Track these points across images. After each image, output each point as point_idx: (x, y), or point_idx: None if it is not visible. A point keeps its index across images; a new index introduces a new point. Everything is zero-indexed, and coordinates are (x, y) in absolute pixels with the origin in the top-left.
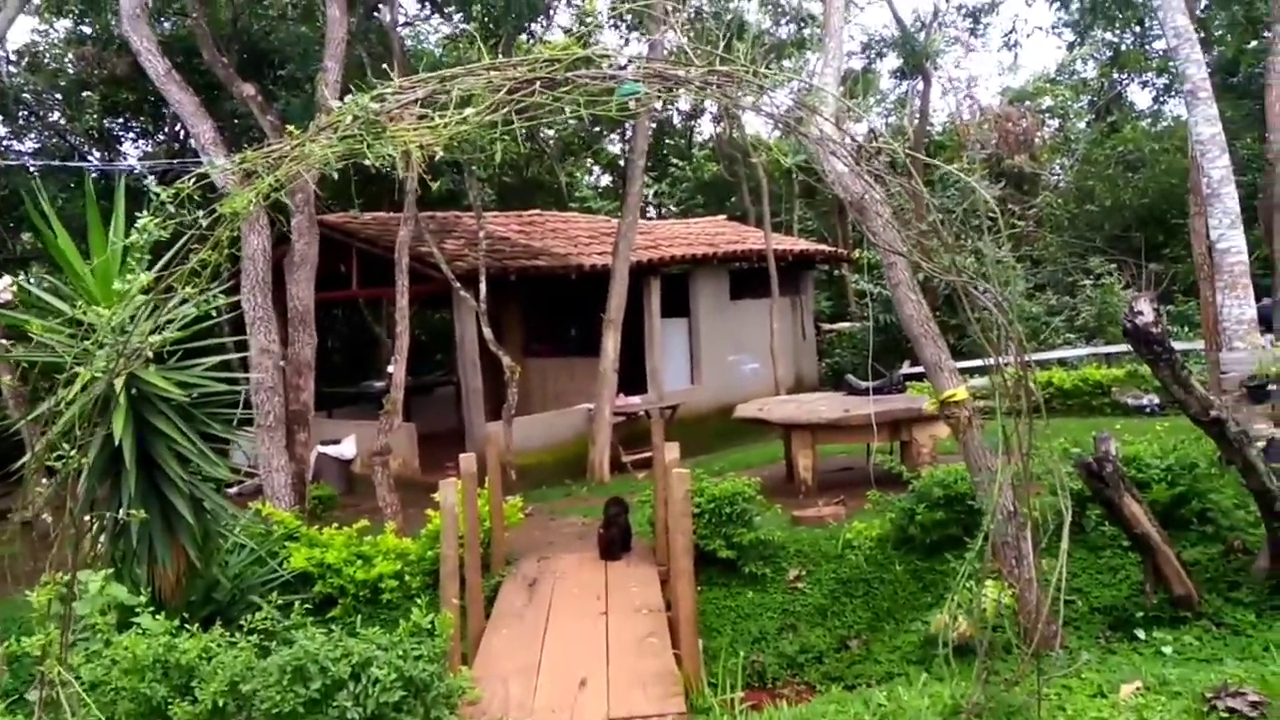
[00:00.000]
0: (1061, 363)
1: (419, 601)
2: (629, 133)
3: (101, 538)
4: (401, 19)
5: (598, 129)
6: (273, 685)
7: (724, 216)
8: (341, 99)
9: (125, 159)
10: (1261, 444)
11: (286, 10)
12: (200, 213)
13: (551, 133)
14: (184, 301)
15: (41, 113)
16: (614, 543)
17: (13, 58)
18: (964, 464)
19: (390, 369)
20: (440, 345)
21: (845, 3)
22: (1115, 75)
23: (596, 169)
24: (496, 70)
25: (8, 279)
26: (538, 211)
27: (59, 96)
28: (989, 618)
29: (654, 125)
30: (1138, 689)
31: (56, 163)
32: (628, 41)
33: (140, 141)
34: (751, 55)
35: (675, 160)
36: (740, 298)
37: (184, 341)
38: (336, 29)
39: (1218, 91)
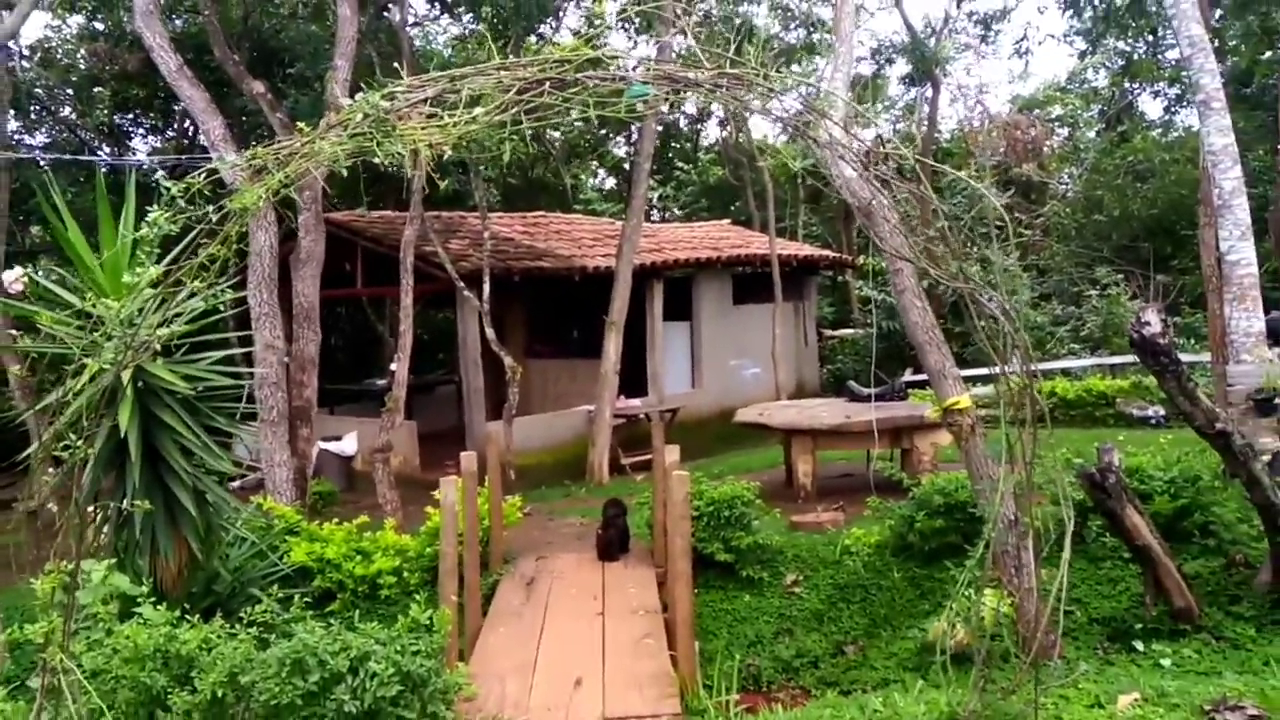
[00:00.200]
0: (1066, 373)
1: (417, 598)
2: (635, 135)
3: (105, 528)
4: (411, 19)
5: (604, 131)
6: (271, 677)
7: (728, 221)
8: (351, 98)
9: (135, 154)
10: (1267, 458)
11: (297, 9)
12: (210, 208)
13: (558, 134)
14: (191, 295)
15: (53, 107)
16: (612, 544)
17: (25, 53)
18: (964, 472)
19: (393, 367)
20: (442, 344)
21: (856, 8)
22: (1127, 84)
23: (601, 171)
24: (506, 70)
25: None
26: (542, 213)
27: (70, 92)
28: (987, 626)
29: (660, 128)
30: (1135, 700)
31: (67, 157)
32: (636, 44)
33: (150, 137)
34: (761, 59)
35: (680, 164)
36: (743, 302)
37: (190, 335)
38: (347, 28)
39: (1230, 102)
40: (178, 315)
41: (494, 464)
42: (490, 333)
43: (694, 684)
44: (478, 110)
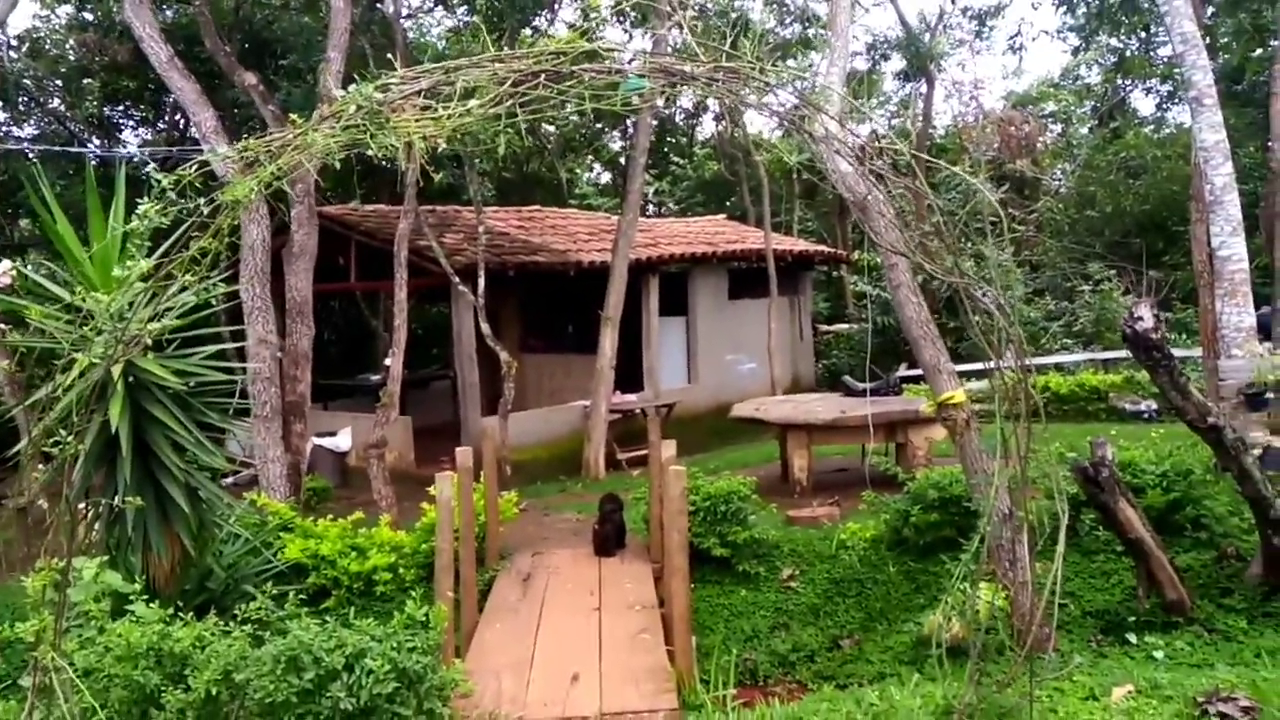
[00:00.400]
0: (1059, 368)
1: (413, 594)
2: (630, 130)
3: (97, 525)
4: (405, 10)
5: (599, 125)
6: (266, 675)
7: (724, 216)
8: (344, 90)
9: (125, 146)
10: (1258, 451)
11: (289, 0)
12: (201, 201)
13: (553, 128)
14: (183, 290)
15: (42, 99)
16: (608, 539)
17: (14, 43)
18: (959, 466)
19: (387, 362)
20: (437, 339)
21: (851, 3)
22: (1119, 81)
23: (597, 166)
24: (501, 63)
25: (7, 264)
26: (537, 207)
27: (60, 83)
28: (982, 620)
29: (655, 123)
30: (1129, 693)
31: (57, 149)
32: (631, 37)
33: (140, 129)
34: (756, 53)
35: (676, 158)
36: (739, 297)
37: (182, 330)
38: (340, 19)
39: (1222, 99)
40: (168, 310)
41: (490, 459)
42: (485, 327)
43: (691, 679)
44: (472, 103)
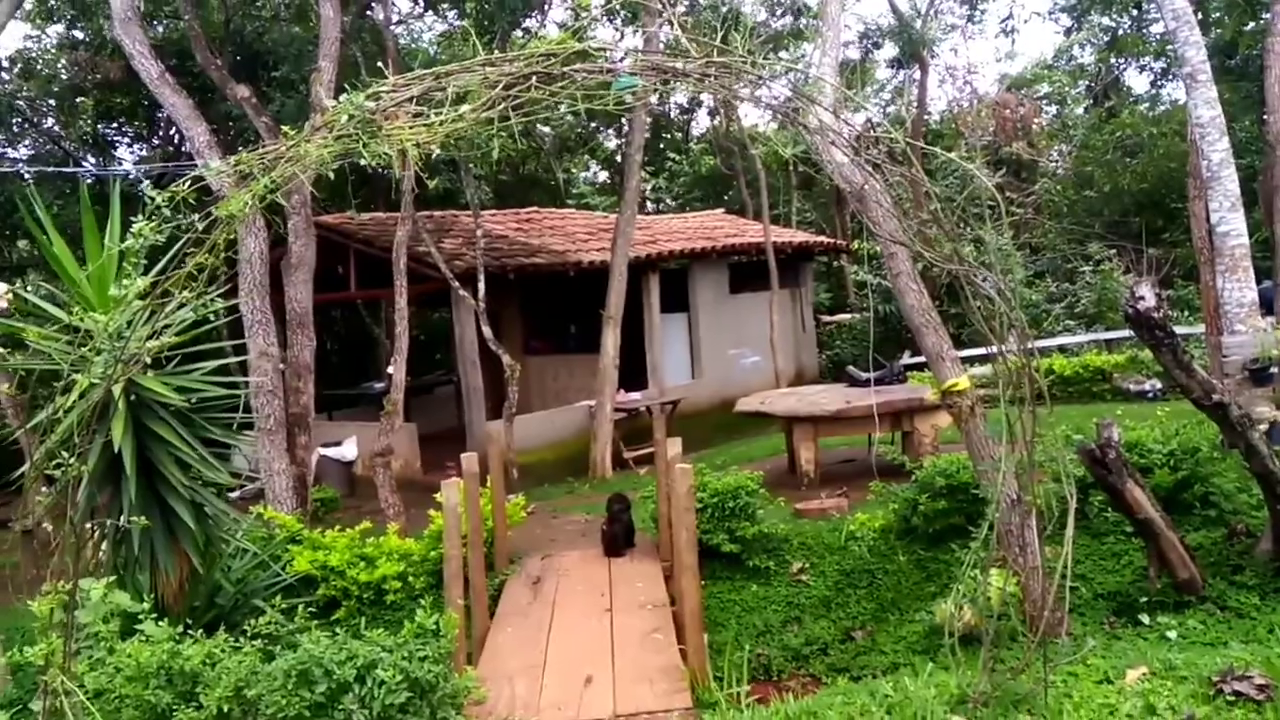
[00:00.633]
0: (1062, 349)
1: (423, 602)
2: (625, 128)
3: (103, 545)
4: (395, 17)
5: (594, 125)
6: (277, 689)
7: (722, 210)
8: (336, 99)
9: (120, 164)
10: (1264, 427)
11: (279, 11)
12: (196, 216)
13: (548, 129)
14: (181, 306)
15: (35, 119)
16: (617, 539)
17: (5, 64)
18: (966, 453)
19: (390, 370)
20: (440, 345)
21: None
22: (1113, 60)
23: (593, 165)
24: (492, 66)
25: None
26: (535, 209)
27: (52, 102)
28: (994, 606)
29: (650, 120)
30: (1144, 674)
31: (51, 169)
32: (623, 36)
33: (135, 146)
34: (748, 46)
35: (672, 154)
36: (740, 291)
37: (182, 346)
38: (330, 29)
39: (1216, 74)
40: (167, 326)
41: (496, 463)
42: (487, 331)
43: (704, 676)
44: (465, 108)
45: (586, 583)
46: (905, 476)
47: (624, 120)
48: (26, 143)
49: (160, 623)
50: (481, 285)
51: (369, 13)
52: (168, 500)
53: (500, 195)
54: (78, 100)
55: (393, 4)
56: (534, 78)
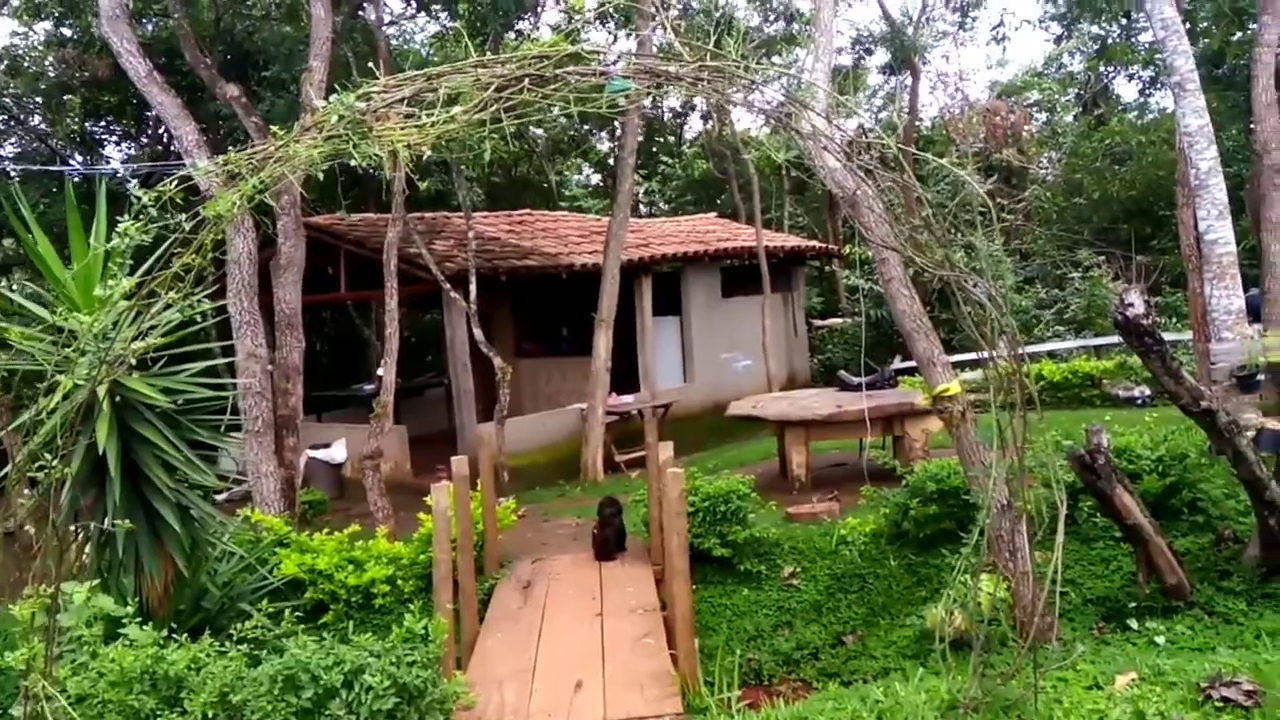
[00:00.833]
0: (1051, 355)
1: (412, 606)
2: (618, 131)
3: (87, 548)
4: (387, 17)
5: (587, 127)
6: (263, 695)
7: (714, 214)
8: (327, 99)
9: (108, 162)
10: (1251, 433)
11: (270, 10)
12: (183, 216)
13: (540, 131)
14: (168, 307)
15: (22, 116)
16: (608, 543)
17: None
18: (956, 458)
19: (380, 371)
20: (431, 346)
21: None
22: (1102, 68)
23: (586, 168)
24: (484, 68)
25: None
26: (527, 211)
27: (39, 100)
28: (984, 611)
29: (643, 123)
30: (1133, 680)
31: (37, 167)
32: (616, 39)
33: (123, 145)
34: (741, 51)
35: (665, 158)
36: (732, 295)
37: (169, 347)
38: (321, 28)
39: (1204, 83)
40: (154, 327)
41: (486, 466)
42: (478, 333)
43: (695, 681)
44: (456, 109)
45: (577, 587)
46: (896, 481)
47: (617, 123)
48: (13, 140)
49: (144, 627)
50: (473, 287)
51: (361, 13)
52: (153, 503)
53: (492, 197)
54: (65, 98)
55: (385, 4)
56: (526, 80)
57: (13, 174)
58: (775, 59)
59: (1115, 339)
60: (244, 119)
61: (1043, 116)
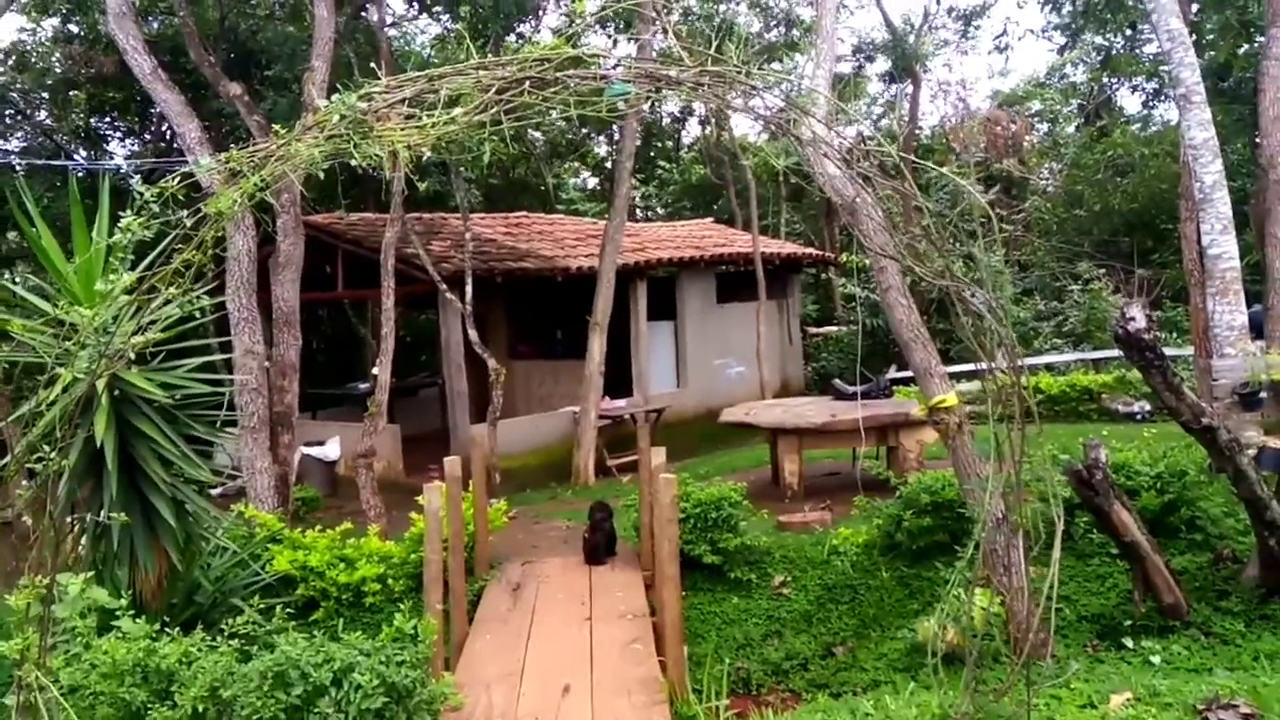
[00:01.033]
0: (1049, 368)
1: (402, 606)
2: (617, 135)
3: (82, 540)
4: (389, 19)
5: (585, 131)
6: (253, 691)
7: (711, 219)
8: (329, 99)
9: (111, 158)
10: (1253, 452)
11: (274, 10)
12: (185, 213)
13: (539, 134)
14: (167, 302)
15: (28, 111)
16: (599, 547)
17: (0, 56)
18: (951, 469)
19: (375, 370)
20: (425, 347)
21: (837, 5)
22: (1105, 79)
23: (584, 171)
24: (485, 70)
25: None
26: (524, 213)
27: (46, 95)
28: (978, 626)
29: (642, 128)
30: (1128, 700)
31: (42, 162)
32: (616, 43)
33: (127, 141)
34: (742, 56)
35: (662, 163)
36: (727, 301)
37: (168, 342)
38: (324, 29)
39: (1209, 96)
40: (153, 322)
41: (479, 467)
42: (473, 334)
43: (683, 689)
44: (456, 111)
45: (567, 590)
46: (889, 492)
47: (615, 127)
48: (18, 135)
49: (137, 620)
50: (469, 288)
51: (363, 14)
52: (148, 496)
53: (490, 199)
54: (71, 94)
55: (387, 6)
56: (527, 82)
57: (18, 168)
58: (776, 65)
59: (1114, 352)
60: (246, 117)
61: (1044, 127)
